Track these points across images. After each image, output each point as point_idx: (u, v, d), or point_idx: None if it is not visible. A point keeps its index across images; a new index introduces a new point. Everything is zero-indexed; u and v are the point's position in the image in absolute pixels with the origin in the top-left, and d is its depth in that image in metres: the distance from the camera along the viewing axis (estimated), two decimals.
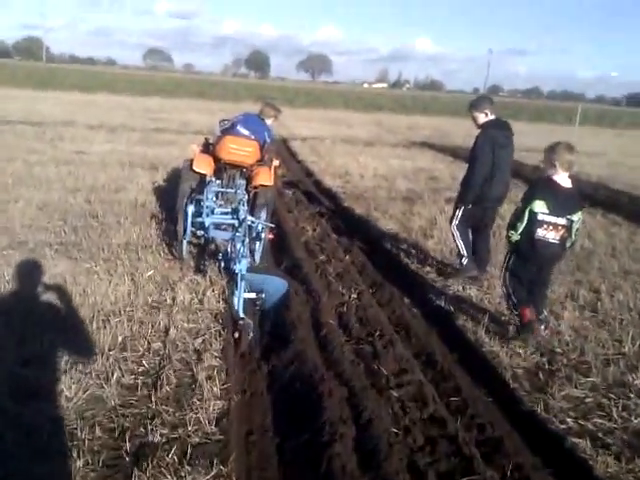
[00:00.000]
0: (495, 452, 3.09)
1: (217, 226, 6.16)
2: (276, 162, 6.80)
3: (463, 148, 15.96)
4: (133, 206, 8.11)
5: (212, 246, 6.42)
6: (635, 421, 3.61)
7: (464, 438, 3.12)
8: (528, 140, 18.62)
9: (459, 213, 6.12)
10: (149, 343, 4.18)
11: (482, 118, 5.98)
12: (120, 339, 4.17)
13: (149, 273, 5.50)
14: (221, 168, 6.64)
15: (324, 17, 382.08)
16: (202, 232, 6.21)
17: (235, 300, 4.58)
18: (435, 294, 5.55)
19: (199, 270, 5.77)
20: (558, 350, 4.57)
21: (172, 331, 4.37)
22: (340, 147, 17.37)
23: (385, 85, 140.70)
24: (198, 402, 3.48)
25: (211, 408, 3.44)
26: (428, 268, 6.35)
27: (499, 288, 5.17)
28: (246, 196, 6.43)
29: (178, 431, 3.22)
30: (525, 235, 4.53)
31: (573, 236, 4.61)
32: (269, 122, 6.90)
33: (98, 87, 38.55)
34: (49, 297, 4.72)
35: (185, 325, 4.53)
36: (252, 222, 5.57)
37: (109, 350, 4.01)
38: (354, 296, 5.25)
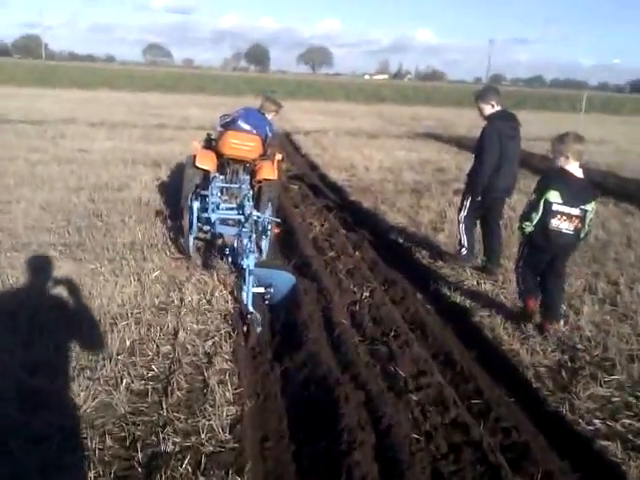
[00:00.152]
0: (522, 458, 2.96)
1: (223, 221, 6.11)
2: (279, 156, 6.74)
3: (468, 138, 15.78)
4: (137, 204, 7.98)
5: (219, 241, 6.32)
6: None
7: (489, 444, 2.98)
8: (534, 129, 18.45)
9: (467, 204, 6.06)
10: (158, 347, 4.06)
11: (488, 109, 5.87)
12: (128, 343, 4.05)
13: (155, 273, 5.37)
14: (224, 163, 6.60)
15: (324, 9, 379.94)
16: (208, 227, 6.19)
17: (243, 295, 4.59)
18: (449, 290, 5.41)
19: (207, 266, 5.69)
20: (580, 346, 4.42)
21: (181, 334, 4.25)
22: (344, 140, 17.18)
23: (386, 76, 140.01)
24: (210, 408, 3.36)
25: (224, 414, 3.32)
26: (440, 263, 6.20)
27: (515, 283, 5.05)
28: (251, 191, 6.37)
29: (191, 439, 3.10)
30: (539, 226, 4.45)
31: (587, 226, 4.52)
32: (270, 116, 6.84)
33: (98, 84, 38.35)
34: (55, 300, 4.61)
35: (194, 327, 4.40)
36: (258, 217, 5.52)
37: (117, 355, 3.89)
38: (366, 294, 5.11)
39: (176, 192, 7.71)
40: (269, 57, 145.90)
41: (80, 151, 12.19)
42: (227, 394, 3.50)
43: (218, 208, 6.12)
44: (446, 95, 49.24)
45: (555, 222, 4.39)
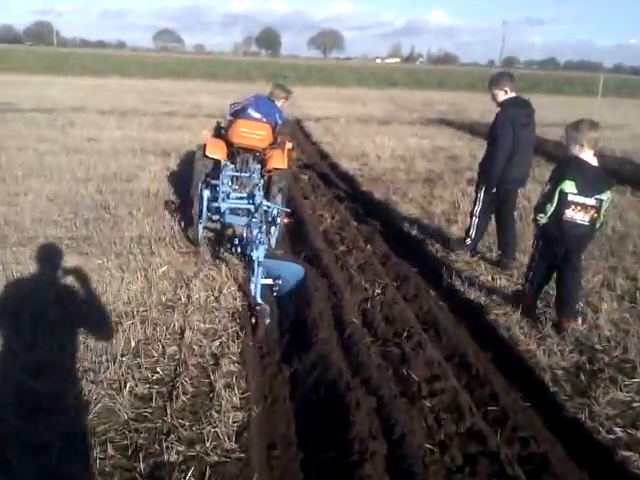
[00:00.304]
0: (541, 470, 2.83)
1: (233, 211, 6.07)
2: (289, 145, 6.63)
3: (481, 124, 15.48)
4: (146, 195, 7.88)
5: (228, 232, 6.29)
6: None
7: (506, 455, 2.85)
8: (549, 114, 18.10)
9: (481, 197, 5.90)
10: (164, 347, 3.96)
11: (502, 96, 5.72)
12: (133, 343, 3.95)
13: (163, 269, 5.27)
14: (234, 152, 6.53)
15: None
16: (218, 217, 6.16)
17: (252, 286, 4.52)
18: (463, 285, 5.26)
19: (215, 257, 5.61)
20: (598, 347, 4.26)
21: (188, 333, 4.14)
22: (355, 127, 16.94)
23: (398, 60, 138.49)
24: (216, 414, 3.25)
25: (230, 421, 3.21)
26: (454, 256, 6.04)
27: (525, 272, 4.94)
28: (261, 180, 6.30)
29: (195, 448, 3.00)
30: (553, 217, 4.33)
31: (602, 217, 4.40)
32: (279, 104, 6.75)
33: (109, 71, 38.27)
34: (60, 297, 4.51)
35: (201, 326, 4.30)
36: (268, 207, 5.44)
37: (122, 356, 3.79)
38: (378, 291, 4.97)
39: (185, 183, 7.62)
40: (280, 41, 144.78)
41: (89, 140, 12.12)
42: (234, 399, 3.39)
43: (228, 197, 6.09)
44: (459, 79, 48.54)
45: (569, 213, 4.28)
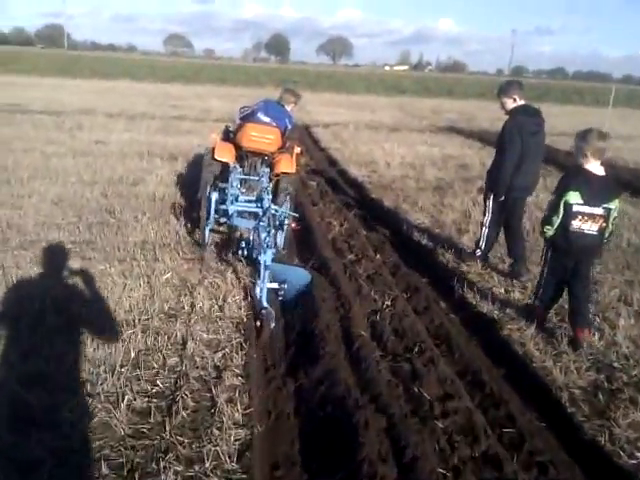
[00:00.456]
0: None
1: (240, 214, 6.06)
2: (298, 149, 6.59)
3: (491, 133, 15.30)
4: (151, 200, 7.76)
5: (235, 235, 6.24)
6: None
7: None
8: (560, 123, 17.92)
9: (490, 206, 5.80)
10: (164, 358, 3.81)
11: (510, 103, 5.66)
12: (133, 354, 3.80)
13: (166, 276, 5.14)
14: (242, 156, 6.51)
15: None
16: (225, 219, 6.15)
17: (258, 290, 4.49)
18: (475, 298, 5.09)
19: (221, 263, 5.53)
20: (616, 365, 4.10)
21: (190, 344, 4.00)
22: (364, 133, 16.81)
23: (406, 67, 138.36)
24: (217, 431, 3.10)
25: (232, 438, 3.06)
26: (465, 267, 5.88)
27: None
28: (270, 184, 6.27)
29: (194, 468, 2.84)
30: (560, 228, 4.26)
31: (611, 225, 4.31)
32: (289, 108, 6.73)
33: (119, 74, 38.36)
34: (60, 304, 4.37)
35: (204, 336, 4.15)
36: (276, 211, 5.40)
37: (121, 367, 3.65)
38: (388, 302, 4.81)
39: (192, 187, 7.55)
40: (289, 48, 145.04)
41: (97, 143, 12.03)
42: (236, 415, 3.24)
43: (236, 200, 6.08)
44: (467, 87, 48.38)
45: (576, 223, 4.21)
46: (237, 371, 3.72)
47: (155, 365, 3.73)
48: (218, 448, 2.97)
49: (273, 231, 5.20)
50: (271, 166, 6.46)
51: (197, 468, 2.83)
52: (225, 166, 6.26)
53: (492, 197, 5.76)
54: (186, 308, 4.58)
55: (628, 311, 5.00)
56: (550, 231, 4.32)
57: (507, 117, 5.68)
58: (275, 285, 4.67)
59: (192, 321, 4.35)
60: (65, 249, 5.63)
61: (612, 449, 3.18)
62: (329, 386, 3.49)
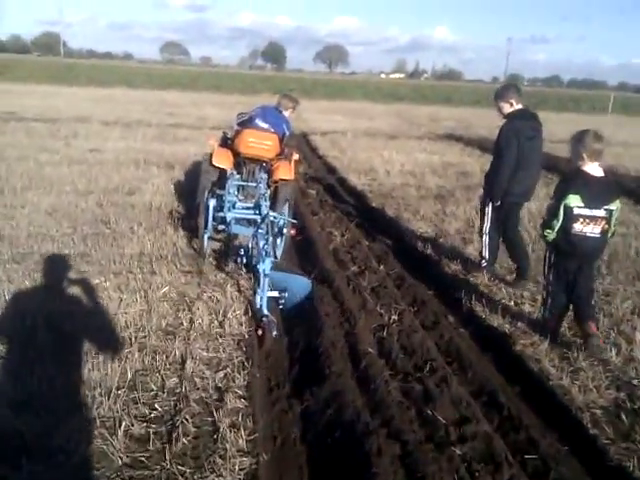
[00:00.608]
0: None
1: (238, 221, 5.98)
2: (296, 156, 6.48)
3: (490, 140, 15.14)
4: (147, 209, 7.57)
5: (234, 243, 6.09)
6: None
7: None
8: (559, 130, 17.80)
9: (489, 212, 5.70)
10: (163, 379, 3.61)
11: (507, 108, 5.58)
12: (130, 375, 3.60)
13: (164, 290, 4.94)
14: (240, 162, 6.41)
15: (340, 7, 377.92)
16: (223, 227, 6.07)
17: (258, 299, 4.42)
18: (484, 312, 4.92)
19: (220, 275, 5.36)
20: (636, 382, 3.92)
21: (189, 363, 3.80)
22: (362, 141, 16.67)
23: (402, 75, 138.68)
24: (220, 460, 2.90)
25: (236, 467, 2.86)
26: (472, 278, 5.71)
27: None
28: (268, 191, 6.18)
29: None
30: (561, 232, 4.20)
31: (613, 227, 4.26)
32: (287, 114, 6.64)
33: (116, 82, 38.24)
34: (53, 321, 4.17)
35: (204, 355, 3.96)
36: (274, 218, 5.31)
37: (117, 389, 3.44)
38: (394, 317, 4.62)
39: (189, 195, 7.40)
40: (285, 55, 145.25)
41: (92, 151, 11.84)
42: (240, 441, 3.04)
43: (234, 207, 6.02)
44: (464, 95, 48.45)
45: (578, 226, 4.16)
46: (240, 392, 3.52)
47: (153, 387, 3.53)
48: (222, 479, 2.77)
49: (272, 239, 5.11)
50: (269, 173, 6.35)
51: None
52: (223, 173, 6.15)
53: (490, 204, 5.66)
54: (185, 324, 4.39)
55: None
56: (551, 234, 4.27)
57: (504, 122, 5.59)
58: (275, 293, 4.60)
59: (191, 338, 4.16)
60: (59, 262, 5.43)
61: None
62: (337, 409, 3.30)
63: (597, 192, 4.17)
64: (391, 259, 6.25)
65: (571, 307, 4.54)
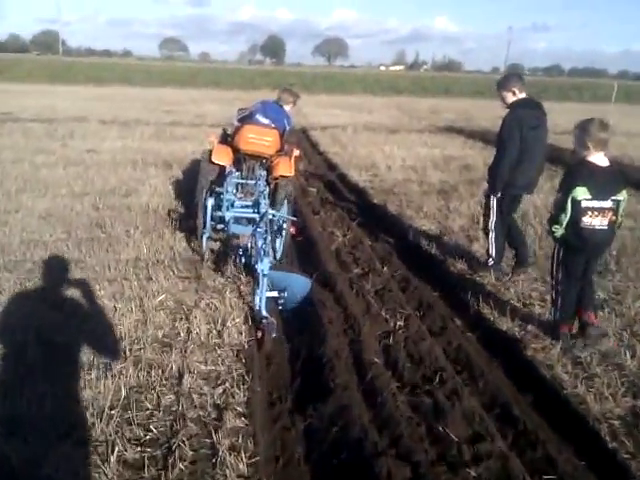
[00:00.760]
0: None
1: (237, 220, 5.86)
2: (296, 152, 6.32)
3: (492, 132, 14.93)
4: (144, 212, 7.39)
5: (232, 242, 5.91)
6: None
7: None
8: (562, 120, 17.54)
9: (494, 206, 5.53)
10: (159, 397, 3.44)
11: (510, 97, 5.42)
12: (124, 392, 3.43)
13: (160, 297, 4.77)
14: (240, 159, 6.28)
15: None
16: (222, 226, 5.98)
17: (257, 299, 4.34)
18: (493, 314, 4.73)
19: (219, 280, 5.21)
20: None
21: (186, 378, 3.62)
22: (363, 135, 16.44)
23: (402, 67, 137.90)
24: None
25: None
26: (478, 279, 5.52)
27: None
28: (267, 188, 6.05)
29: None
30: (570, 227, 4.05)
31: (619, 217, 4.14)
32: (288, 108, 6.51)
33: (114, 80, 38.03)
34: (45, 335, 4.00)
35: (202, 368, 3.78)
36: (273, 215, 5.20)
37: (110, 409, 3.27)
38: (400, 323, 4.44)
39: (187, 196, 7.23)
40: (285, 49, 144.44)
41: (89, 152, 11.65)
42: (240, 465, 2.86)
43: (233, 206, 5.93)
44: (464, 86, 48.03)
45: (587, 219, 4.03)
46: (239, 409, 3.35)
47: (149, 405, 3.35)
48: None
49: (270, 238, 5.01)
50: (269, 169, 6.21)
51: None
52: (222, 170, 6.03)
53: (495, 197, 5.49)
54: (182, 335, 4.21)
55: None
56: (559, 230, 4.12)
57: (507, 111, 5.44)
58: (275, 293, 4.53)
59: (188, 350, 3.98)
60: (52, 270, 5.25)
61: None
62: (343, 426, 3.13)
63: (604, 183, 4.05)
64: (395, 259, 6.07)
65: None
